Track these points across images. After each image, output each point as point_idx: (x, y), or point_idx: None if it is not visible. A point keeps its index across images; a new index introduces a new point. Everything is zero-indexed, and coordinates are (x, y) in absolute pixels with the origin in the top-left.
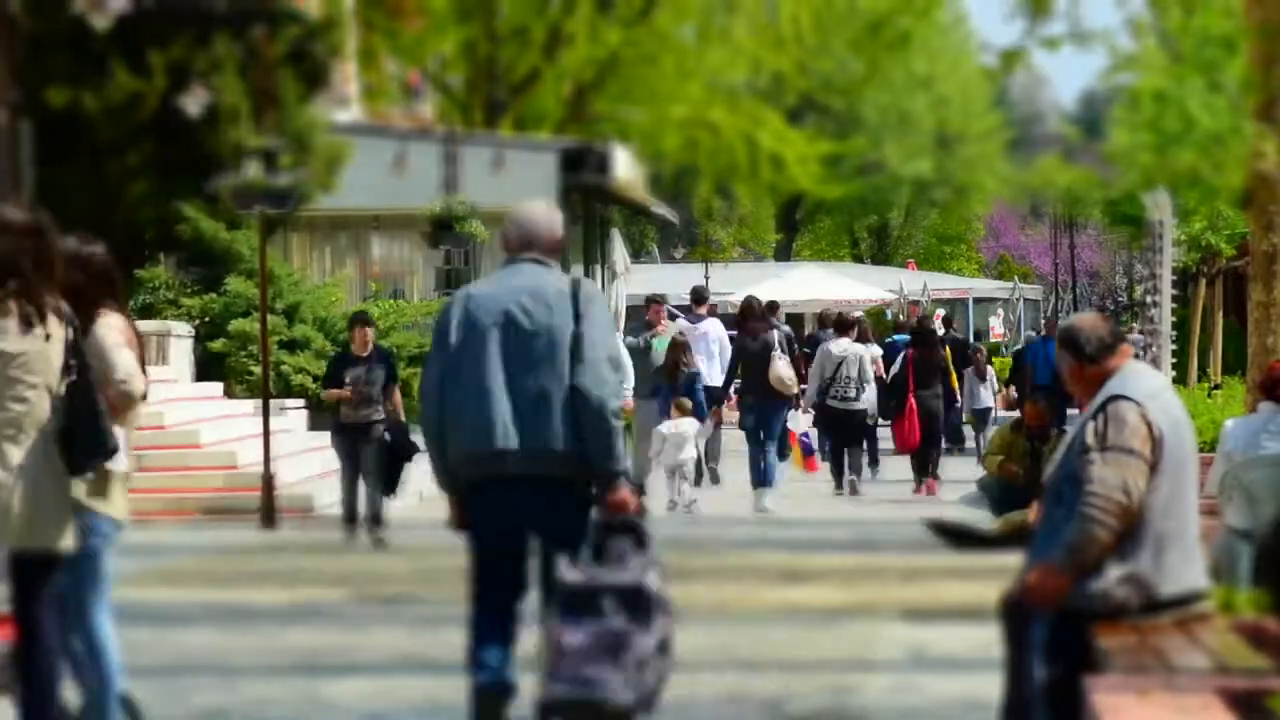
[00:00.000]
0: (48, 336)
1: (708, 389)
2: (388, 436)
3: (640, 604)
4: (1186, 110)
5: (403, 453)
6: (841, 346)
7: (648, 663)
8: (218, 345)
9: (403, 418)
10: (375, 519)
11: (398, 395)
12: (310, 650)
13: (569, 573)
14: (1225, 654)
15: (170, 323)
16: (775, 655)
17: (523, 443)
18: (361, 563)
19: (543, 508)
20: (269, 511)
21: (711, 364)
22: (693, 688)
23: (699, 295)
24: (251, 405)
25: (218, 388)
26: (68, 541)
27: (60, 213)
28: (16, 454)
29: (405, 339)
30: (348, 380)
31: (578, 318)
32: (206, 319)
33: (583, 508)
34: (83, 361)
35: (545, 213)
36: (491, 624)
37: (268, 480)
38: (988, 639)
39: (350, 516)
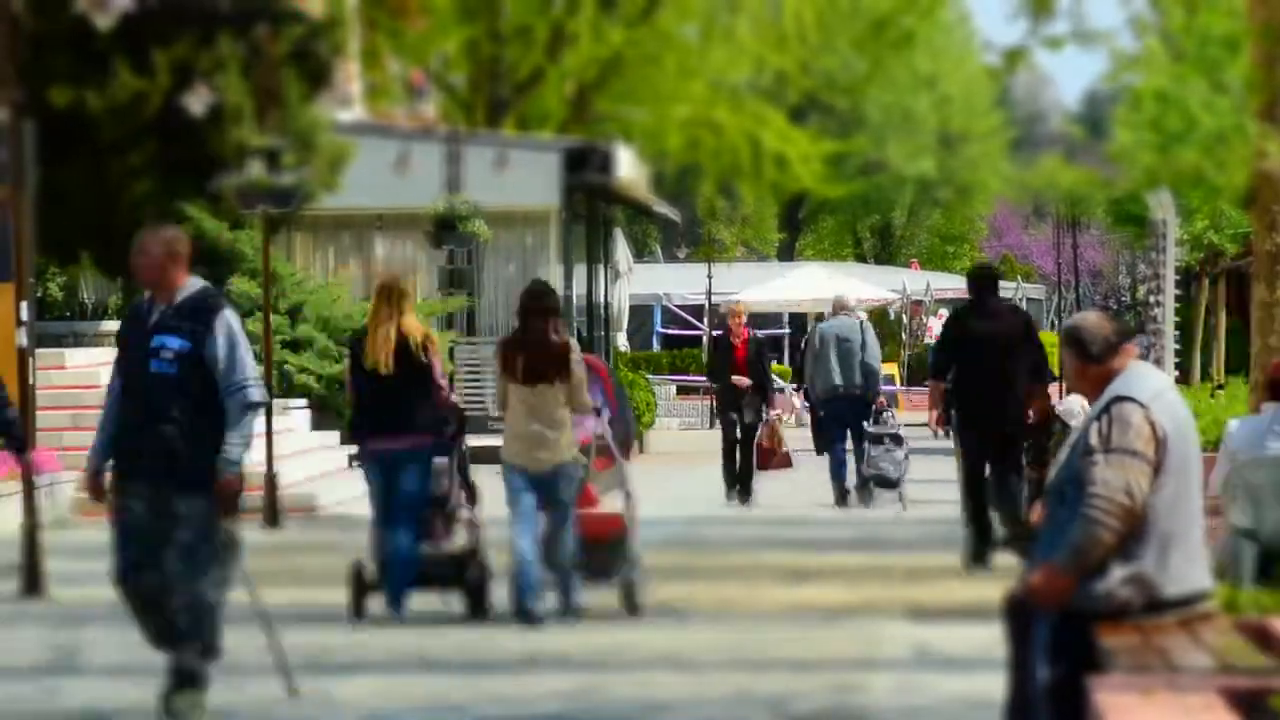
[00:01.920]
0: None
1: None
2: None
3: (897, 437)
4: (1189, 110)
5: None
6: None
7: (901, 462)
8: None
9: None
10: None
11: None
12: (315, 650)
13: (869, 429)
14: (1228, 653)
15: None
16: (780, 654)
17: (844, 385)
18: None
19: (854, 407)
20: (272, 511)
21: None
22: (698, 687)
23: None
24: None
25: None
26: None
27: (62, 212)
28: None
29: None
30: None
31: (863, 334)
32: None
33: (868, 405)
34: None
35: (846, 296)
36: (837, 454)
37: (270, 480)
38: (991, 638)
39: None
